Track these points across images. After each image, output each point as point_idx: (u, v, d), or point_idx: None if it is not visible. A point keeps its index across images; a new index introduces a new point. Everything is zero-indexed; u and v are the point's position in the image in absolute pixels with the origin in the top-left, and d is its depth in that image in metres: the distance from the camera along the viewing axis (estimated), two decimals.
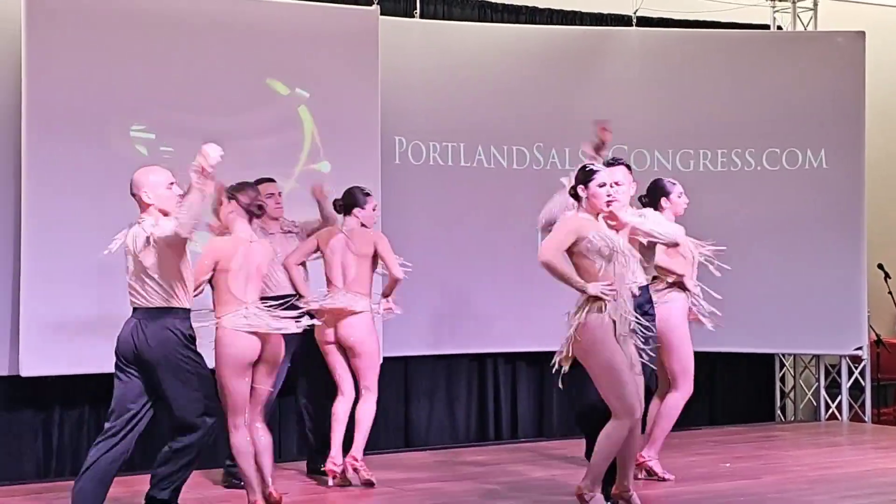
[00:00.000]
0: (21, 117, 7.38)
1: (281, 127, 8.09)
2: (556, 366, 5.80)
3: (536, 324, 8.44)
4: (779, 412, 10.19)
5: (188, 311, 5.58)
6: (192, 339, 5.56)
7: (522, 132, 9.10)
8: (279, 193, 7.20)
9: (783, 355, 10.19)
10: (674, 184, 6.97)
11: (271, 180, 7.21)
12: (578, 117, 9.21)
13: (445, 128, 8.91)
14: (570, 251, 5.81)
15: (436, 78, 8.91)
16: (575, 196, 5.90)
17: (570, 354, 5.79)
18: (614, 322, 5.75)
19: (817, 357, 10.07)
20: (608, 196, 5.84)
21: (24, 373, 7.38)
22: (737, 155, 9.53)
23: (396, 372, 8.58)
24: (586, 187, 5.86)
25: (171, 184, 5.62)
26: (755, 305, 9.29)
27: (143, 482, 5.77)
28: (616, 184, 6.01)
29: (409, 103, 8.77)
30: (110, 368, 7.55)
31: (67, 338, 7.43)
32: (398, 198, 8.40)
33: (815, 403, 10.13)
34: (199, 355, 5.58)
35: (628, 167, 6.61)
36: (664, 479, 6.95)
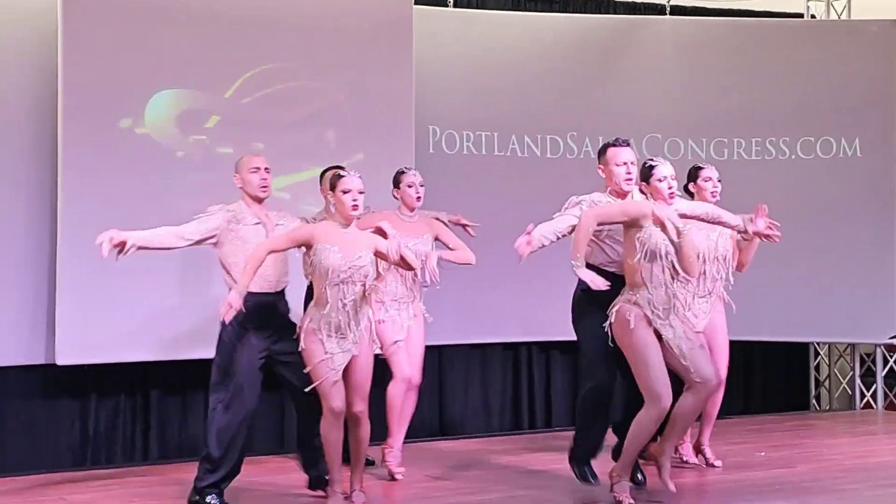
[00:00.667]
0: (57, 105, 7.42)
1: (311, 121, 8.12)
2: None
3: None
4: (814, 401, 10.15)
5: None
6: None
7: (556, 121, 9.09)
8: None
9: (818, 344, 10.14)
10: (700, 167, 6.92)
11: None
12: (612, 106, 9.23)
13: (479, 117, 8.91)
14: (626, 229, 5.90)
15: (469, 67, 8.91)
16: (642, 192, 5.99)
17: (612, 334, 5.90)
18: (649, 312, 5.78)
19: (852, 345, 10.02)
20: (669, 189, 5.90)
21: (60, 361, 7.43)
22: (771, 144, 9.48)
23: (430, 361, 8.54)
24: (648, 183, 5.92)
25: (256, 168, 6.10)
26: (790, 294, 9.26)
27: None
28: (631, 164, 6.11)
29: (443, 93, 8.78)
30: (146, 357, 7.66)
31: (103, 326, 7.47)
32: (431, 187, 8.35)
33: (850, 392, 10.08)
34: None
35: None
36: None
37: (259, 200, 6.18)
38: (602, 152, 6.24)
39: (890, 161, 9.41)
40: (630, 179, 6.12)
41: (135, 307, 7.54)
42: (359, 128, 8.17)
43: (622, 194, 6.15)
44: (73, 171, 7.42)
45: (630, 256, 5.84)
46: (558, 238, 6.04)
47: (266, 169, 6.20)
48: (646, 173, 5.96)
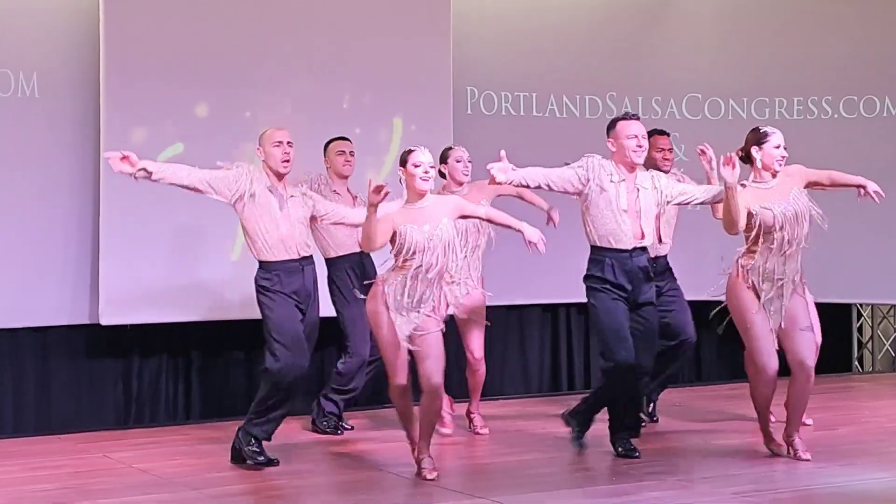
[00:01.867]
0: (99, 64, 7.48)
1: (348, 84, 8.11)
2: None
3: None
4: (856, 363, 10.09)
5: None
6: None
7: (595, 81, 9.04)
8: (350, 152, 7.23)
9: (861, 305, 10.07)
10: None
11: (345, 139, 7.25)
12: (651, 66, 9.15)
13: (517, 78, 8.88)
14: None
15: (508, 27, 8.87)
16: (746, 159, 6.03)
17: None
18: (756, 281, 5.92)
19: None
20: (781, 157, 6.02)
21: (105, 321, 7.53)
22: (813, 103, 9.37)
23: None
24: (760, 148, 5.99)
25: (279, 142, 6.08)
26: (832, 255, 9.14)
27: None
28: (642, 137, 6.08)
29: (481, 53, 8.75)
30: (188, 317, 7.74)
31: (146, 287, 7.56)
32: (470, 148, 8.35)
33: (893, 354, 10.02)
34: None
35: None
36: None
37: (280, 176, 6.14)
38: (611, 126, 6.17)
39: None
40: (638, 151, 6.06)
41: (176, 268, 7.62)
42: (396, 90, 8.16)
43: (632, 167, 6.09)
44: (117, 133, 7.48)
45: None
46: (540, 186, 6.06)
47: (289, 143, 6.17)
48: (758, 138, 6.01)
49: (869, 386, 9.21)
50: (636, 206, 6.04)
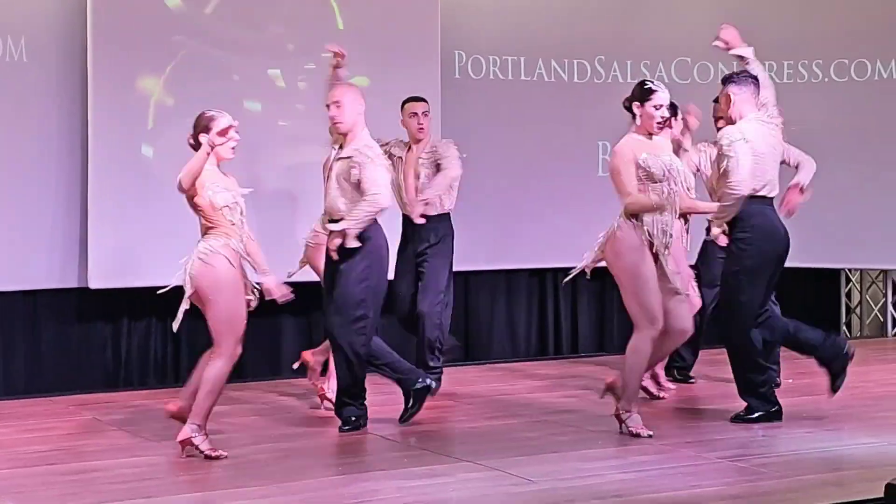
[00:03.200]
0: (87, 34, 7.45)
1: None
2: (580, 273, 6.06)
3: (597, 238, 8.42)
4: (844, 328, 10.10)
5: None
6: None
7: (583, 45, 9.01)
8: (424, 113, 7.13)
9: (849, 270, 10.08)
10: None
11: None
12: (640, 29, 9.12)
13: (506, 41, 8.84)
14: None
15: None
16: (629, 110, 5.89)
17: (596, 260, 5.95)
18: (651, 235, 5.81)
19: (884, 272, 9.95)
20: (661, 119, 5.87)
21: (93, 285, 7.54)
22: (804, 67, 9.35)
23: (457, 287, 8.56)
24: (642, 105, 5.84)
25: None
26: (821, 219, 9.17)
27: None
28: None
29: (469, 17, 8.71)
30: (176, 281, 7.74)
31: (134, 251, 7.57)
32: (458, 112, 8.38)
33: (881, 319, 10.04)
34: None
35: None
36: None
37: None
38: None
39: None
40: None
41: (165, 232, 7.61)
42: (383, 52, 8.13)
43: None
44: (104, 98, 7.46)
45: (644, 189, 5.88)
46: None
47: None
48: (643, 94, 5.89)
49: (858, 351, 9.15)
50: None
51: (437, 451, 5.72)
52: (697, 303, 6.99)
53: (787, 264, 9.10)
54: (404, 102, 7.13)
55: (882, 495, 4.25)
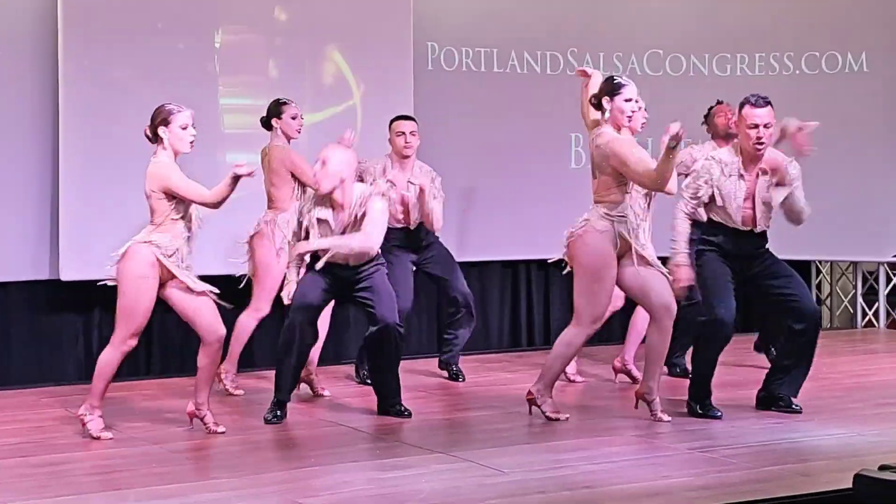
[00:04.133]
0: (58, 23, 7.41)
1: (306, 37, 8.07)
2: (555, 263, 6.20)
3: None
4: None
5: None
6: None
7: (556, 37, 9.03)
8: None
9: (820, 262, 10.14)
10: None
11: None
12: (613, 21, 9.15)
13: (478, 33, 8.85)
14: (604, 166, 5.85)
15: None
16: (598, 106, 5.90)
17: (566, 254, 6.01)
18: (621, 236, 5.86)
19: (854, 264, 10.02)
20: (631, 112, 5.88)
21: (65, 277, 7.51)
22: (775, 59, 9.39)
23: (431, 279, 8.62)
24: (612, 100, 5.85)
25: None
26: None
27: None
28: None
29: (442, 8, 8.73)
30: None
31: (106, 242, 7.50)
32: (430, 104, 8.39)
33: (851, 311, 10.10)
34: None
35: None
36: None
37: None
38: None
39: None
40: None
41: (136, 225, 7.55)
42: (355, 44, 8.12)
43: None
44: (75, 88, 7.42)
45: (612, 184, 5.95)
46: None
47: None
48: (612, 89, 5.89)
49: (827, 342, 9.17)
50: None
51: (410, 442, 5.73)
52: None
53: None
54: (392, 121, 7.17)
55: (850, 486, 4.28)
